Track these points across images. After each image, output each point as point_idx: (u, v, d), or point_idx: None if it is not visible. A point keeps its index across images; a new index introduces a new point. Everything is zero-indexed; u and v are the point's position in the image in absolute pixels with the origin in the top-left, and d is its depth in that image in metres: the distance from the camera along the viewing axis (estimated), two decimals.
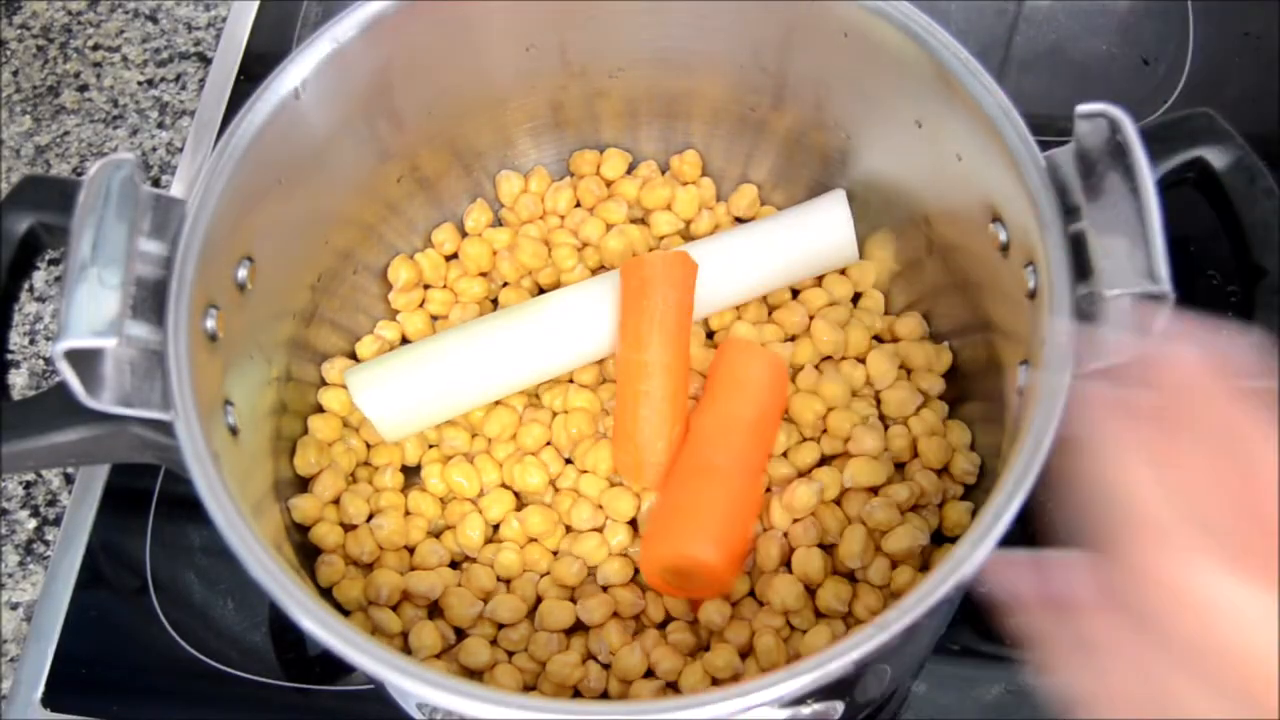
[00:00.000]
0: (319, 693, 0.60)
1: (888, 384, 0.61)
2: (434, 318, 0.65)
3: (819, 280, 0.64)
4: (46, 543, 0.66)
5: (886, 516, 0.56)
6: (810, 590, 0.56)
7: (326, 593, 0.57)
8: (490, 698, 0.41)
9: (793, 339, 0.63)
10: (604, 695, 0.55)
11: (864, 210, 0.63)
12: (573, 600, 0.57)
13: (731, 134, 0.65)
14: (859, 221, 0.63)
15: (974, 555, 0.41)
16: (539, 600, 0.57)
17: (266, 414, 0.56)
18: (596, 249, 0.65)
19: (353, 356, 0.64)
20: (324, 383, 0.62)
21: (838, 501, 0.58)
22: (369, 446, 0.62)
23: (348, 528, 0.59)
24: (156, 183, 0.77)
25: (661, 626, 0.57)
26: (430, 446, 0.62)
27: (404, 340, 0.64)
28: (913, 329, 0.62)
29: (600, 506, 0.59)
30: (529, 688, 0.56)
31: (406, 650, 0.56)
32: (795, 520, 0.57)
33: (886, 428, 0.60)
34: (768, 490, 0.58)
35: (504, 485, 0.61)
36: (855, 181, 0.62)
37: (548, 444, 0.61)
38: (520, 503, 0.61)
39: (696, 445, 0.57)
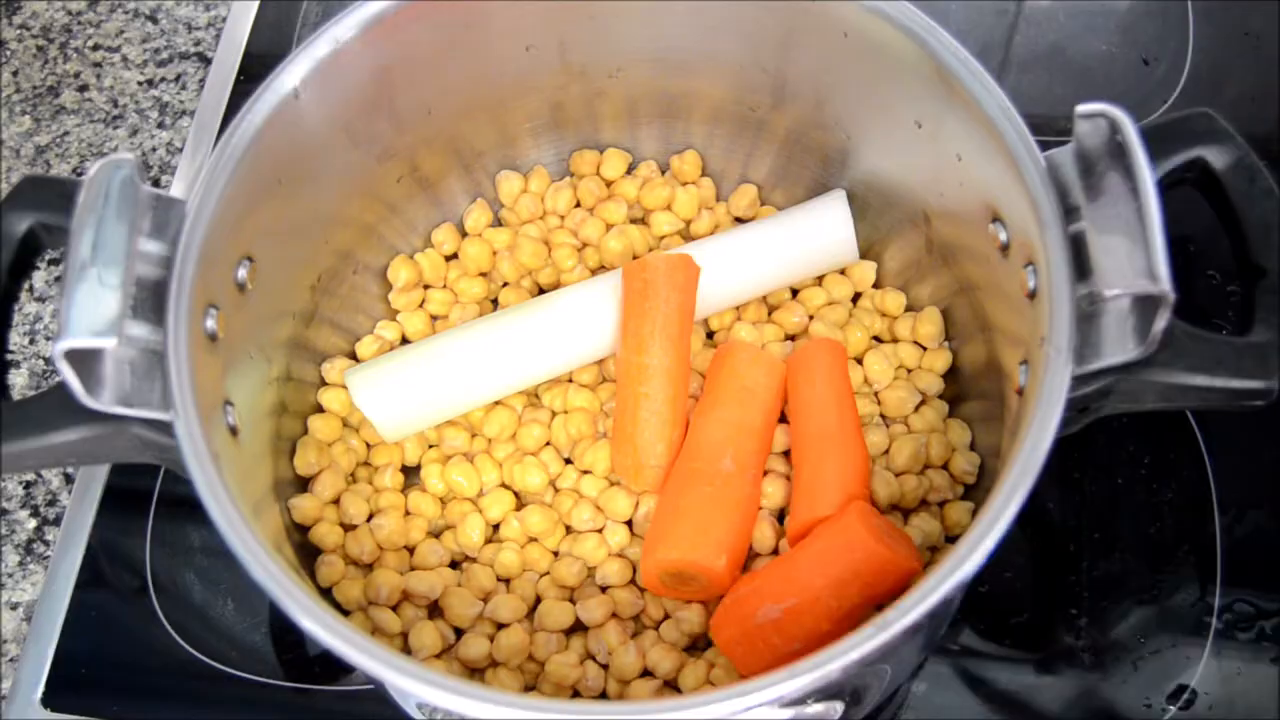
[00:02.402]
0: (319, 693, 0.60)
1: (886, 384, 0.61)
2: (434, 318, 0.65)
3: (819, 280, 0.64)
4: (46, 543, 0.66)
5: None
6: None
7: (327, 593, 0.57)
8: (490, 698, 0.41)
9: (792, 339, 0.63)
10: (603, 695, 0.55)
11: (864, 210, 0.63)
12: (572, 601, 0.57)
13: (731, 134, 0.65)
14: (859, 221, 0.63)
15: (974, 555, 0.41)
16: (538, 600, 0.57)
17: (266, 414, 0.56)
18: (596, 249, 0.65)
19: (353, 356, 0.64)
20: (324, 383, 0.62)
21: None
22: (369, 446, 0.62)
23: (348, 528, 0.59)
24: (156, 183, 0.77)
25: (660, 626, 0.57)
26: (430, 446, 0.62)
27: (404, 340, 0.64)
28: (912, 329, 0.62)
29: (600, 507, 0.59)
30: (529, 688, 0.56)
31: (406, 650, 0.56)
32: None
33: (887, 427, 0.60)
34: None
35: (504, 485, 0.61)
36: (855, 181, 0.62)
37: (547, 444, 0.61)
38: (520, 503, 0.60)
39: (697, 448, 0.57)
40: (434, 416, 0.60)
